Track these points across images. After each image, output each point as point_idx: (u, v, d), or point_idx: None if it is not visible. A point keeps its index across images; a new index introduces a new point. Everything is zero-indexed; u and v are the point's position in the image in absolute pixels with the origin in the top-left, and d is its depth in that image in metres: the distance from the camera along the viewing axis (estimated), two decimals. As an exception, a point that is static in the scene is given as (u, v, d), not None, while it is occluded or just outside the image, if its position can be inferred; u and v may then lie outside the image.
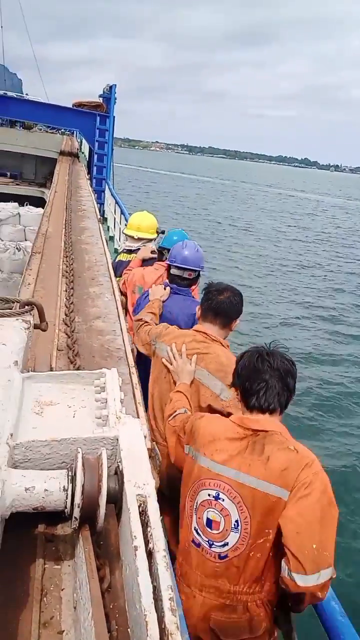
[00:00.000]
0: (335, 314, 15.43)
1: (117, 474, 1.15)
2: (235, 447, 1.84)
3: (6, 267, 10.71)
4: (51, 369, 1.85)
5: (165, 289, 3.29)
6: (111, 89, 12.57)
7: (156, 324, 2.97)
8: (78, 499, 1.06)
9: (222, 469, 1.84)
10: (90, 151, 13.36)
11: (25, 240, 11.64)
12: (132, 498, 1.04)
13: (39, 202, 12.19)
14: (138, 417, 1.88)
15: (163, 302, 3.20)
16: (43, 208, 11.76)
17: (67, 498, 1.09)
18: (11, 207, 11.93)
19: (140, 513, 1.04)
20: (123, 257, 4.63)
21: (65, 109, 12.75)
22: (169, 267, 3.35)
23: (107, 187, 12.24)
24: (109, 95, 12.56)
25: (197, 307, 2.82)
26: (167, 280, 3.40)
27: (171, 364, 2.62)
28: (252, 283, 17.43)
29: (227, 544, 1.81)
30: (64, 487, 1.09)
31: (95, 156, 12.70)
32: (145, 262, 4.28)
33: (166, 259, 3.67)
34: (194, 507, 1.91)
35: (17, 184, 13.16)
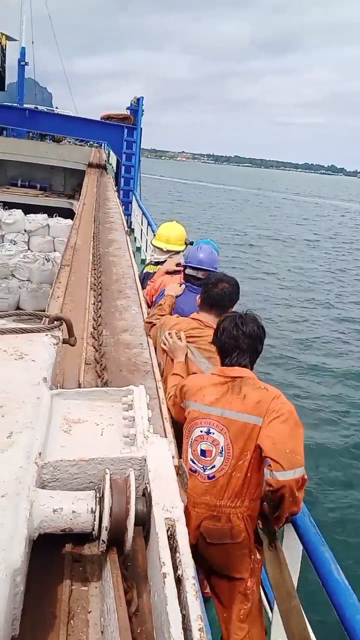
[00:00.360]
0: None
1: (145, 496, 1.14)
2: (219, 391, 2.29)
3: (36, 277, 10.88)
4: (79, 384, 1.86)
5: (180, 286, 3.48)
6: (138, 101, 12.71)
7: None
8: (106, 522, 1.05)
9: (210, 409, 2.28)
10: (118, 163, 13.50)
11: (55, 251, 11.82)
12: (161, 522, 1.02)
13: (68, 214, 12.38)
14: (165, 435, 1.87)
15: (177, 297, 3.41)
16: (72, 219, 11.95)
17: (94, 520, 1.07)
18: (41, 218, 12.15)
19: (168, 537, 1.02)
20: (150, 268, 4.58)
21: (94, 122, 12.95)
22: (184, 268, 3.53)
23: (134, 198, 12.34)
24: (136, 108, 12.70)
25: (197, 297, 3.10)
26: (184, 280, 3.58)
27: (166, 346, 2.90)
28: (279, 295, 17.33)
29: (214, 466, 2.25)
30: (91, 509, 1.08)
31: (123, 168, 12.83)
32: (169, 274, 4.15)
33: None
34: (190, 442, 2.31)
35: (46, 196, 13.40)
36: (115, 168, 14.45)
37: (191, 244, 4.63)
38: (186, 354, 2.82)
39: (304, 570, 2.06)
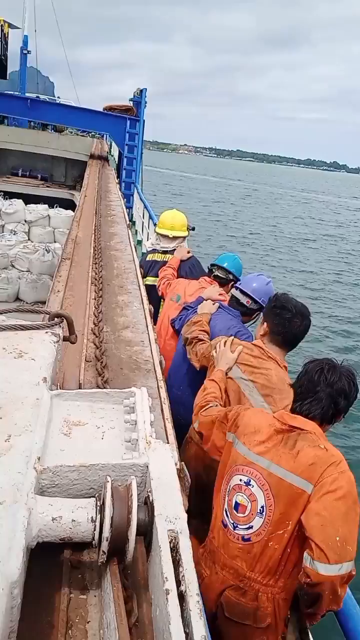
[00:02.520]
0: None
1: (147, 505, 1.10)
2: (272, 441, 1.97)
3: (36, 268, 10.82)
4: (80, 384, 1.81)
5: (214, 304, 3.26)
6: (142, 92, 12.58)
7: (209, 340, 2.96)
8: (107, 532, 1.02)
9: (257, 458, 1.97)
10: (120, 154, 13.40)
11: (55, 242, 11.75)
12: (163, 534, 0.99)
13: (69, 204, 12.28)
14: (167, 438, 1.83)
15: (211, 315, 3.18)
16: (72, 210, 11.87)
17: (94, 530, 1.04)
18: (41, 209, 12.06)
19: (171, 550, 0.98)
20: (158, 257, 4.63)
21: (96, 113, 12.82)
22: (235, 288, 3.32)
23: (135, 190, 12.26)
24: (139, 99, 12.58)
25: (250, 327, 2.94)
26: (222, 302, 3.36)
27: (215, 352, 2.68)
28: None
29: (251, 527, 1.93)
30: (92, 517, 1.05)
31: (125, 160, 12.72)
32: (183, 263, 4.33)
33: (214, 275, 3.79)
34: (227, 489, 2.05)
35: (47, 186, 13.29)
36: (117, 160, 14.35)
37: (193, 229, 4.86)
38: (234, 380, 2.53)
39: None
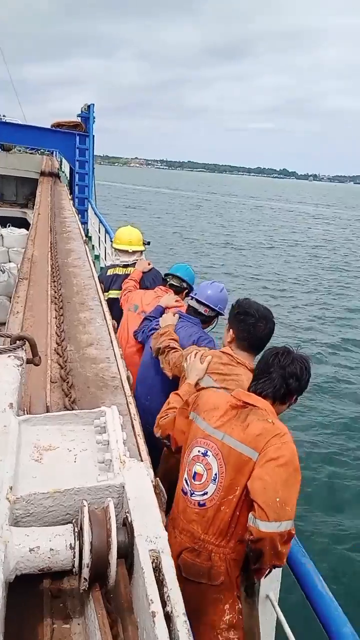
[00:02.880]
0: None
1: (126, 526, 1.08)
2: (227, 415, 2.15)
3: (-9, 290, 10.58)
4: (47, 407, 1.78)
5: (175, 315, 3.33)
6: (89, 108, 12.58)
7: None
8: (87, 559, 0.99)
9: (213, 431, 2.14)
10: (71, 170, 13.32)
11: (10, 261, 11.52)
12: (145, 555, 0.97)
13: (21, 223, 12.09)
14: (140, 454, 1.81)
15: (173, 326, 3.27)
16: (26, 229, 11.69)
17: (74, 557, 1.01)
18: (-7, 229, 11.82)
19: (154, 569, 0.97)
20: (120, 270, 4.77)
21: (45, 130, 12.73)
22: (189, 301, 3.44)
23: (89, 206, 12.19)
24: (87, 115, 12.56)
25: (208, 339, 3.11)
26: (182, 311, 3.45)
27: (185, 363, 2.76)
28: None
29: (206, 493, 2.09)
30: (70, 544, 1.02)
31: (77, 175, 12.66)
32: (145, 274, 4.48)
33: (169, 284, 3.98)
34: (188, 460, 2.20)
35: (-2, 206, 13.06)
36: (68, 176, 14.26)
37: (148, 243, 5.13)
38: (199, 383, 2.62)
39: (285, 582, 2.04)
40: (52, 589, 1.21)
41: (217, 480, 2.06)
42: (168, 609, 0.89)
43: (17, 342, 1.75)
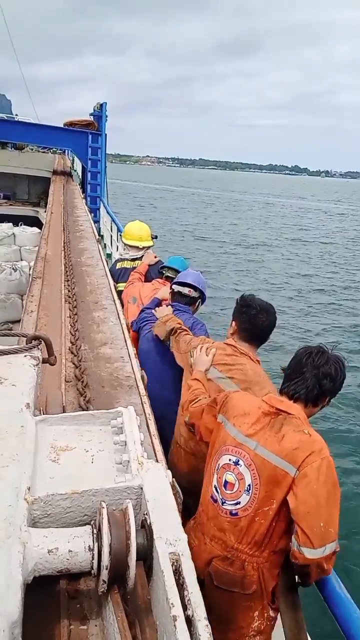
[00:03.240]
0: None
1: (145, 528, 1.08)
2: (260, 423, 2.09)
3: (3, 288, 10.63)
4: (63, 406, 1.77)
5: (167, 307, 3.50)
6: (102, 107, 12.59)
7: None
8: (106, 561, 0.98)
9: (245, 439, 2.09)
10: (83, 169, 13.36)
11: (21, 260, 11.58)
12: (165, 558, 0.96)
13: (33, 222, 12.15)
14: (154, 452, 1.81)
15: None
16: (37, 227, 11.74)
17: (93, 559, 1.01)
18: (6, 227, 11.88)
19: (174, 572, 0.96)
20: (127, 264, 5.01)
21: (57, 129, 12.76)
22: (172, 288, 3.63)
23: (102, 204, 12.22)
24: (99, 113, 12.58)
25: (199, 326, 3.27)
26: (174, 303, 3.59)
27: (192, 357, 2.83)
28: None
29: (239, 503, 2.06)
30: (89, 546, 1.02)
31: (89, 174, 12.68)
32: (152, 267, 4.69)
33: (166, 277, 4.20)
34: (217, 467, 2.17)
35: (10, 204, 13.13)
36: (80, 175, 14.29)
37: (156, 237, 5.38)
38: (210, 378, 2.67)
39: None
40: (69, 590, 1.21)
41: (250, 491, 2.03)
42: (189, 612, 0.88)
43: (33, 341, 1.76)
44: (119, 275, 4.86)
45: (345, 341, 13.79)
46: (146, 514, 1.09)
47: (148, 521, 1.06)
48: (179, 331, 3.11)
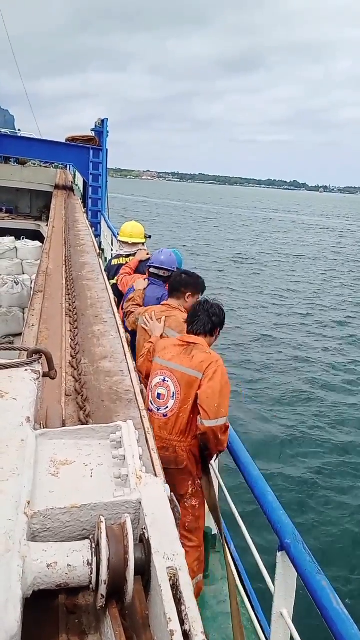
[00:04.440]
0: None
1: (143, 542, 1.08)
2: (176, 351, 3.13)
3: (5, 301, 10.67)
4: (63, 421, 1.78)
5: (145, 280, 4.49)
6: (103, 122, 12.75)
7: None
8: (104, 575, 0.99)
9: (168, 363, 3.10)
10: (85, 184, 13.48)
11: (23, 273, 11.64)
12: (163, 573, 0.97)
13: (35, 236, 12.22)
14: (153, 466, 1.81)
15: (144, 290, 4.42)
16: (39, 241, 11.81)
17: (91, 573, 1.01)
18: (8, 241, 11.96)
19: (171, 587, 0.97)
20: (123, 260, 5.58)
21: (59, 144, 12.91)
22: (149, 267, 4.57)
23: (102, 218, 12.30)
24: (101, 129, 12.74)
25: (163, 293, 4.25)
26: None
27: (147, 326, 3.80)
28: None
29: (167, 407, 3.02)
30: (87, 561, 1.02)
31: (90, 189, 12.80)
32: (143, 262, 5.20)
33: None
34: (150, 387, 3.13)
35: (12, 218, 13.23)
36: (82, 189, 14.42)
37: (149, 237, 5.99)
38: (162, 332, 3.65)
39: (301, 600, 2.02)
40: (67, 604, 1.21)
41: (175, 396, 3.00)
42: (186, 627, 0.89)
43: (34, 355, 1.77)
44: (115, 270, 5.42)
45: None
46: (144, 528, 1.10)
47: (146, 535, 1.07)
48: (128, 314, 4.18)
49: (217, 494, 3.13)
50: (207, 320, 3.14)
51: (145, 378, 3.30)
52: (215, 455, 2.99)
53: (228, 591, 2.90)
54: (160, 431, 2.98)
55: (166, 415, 3.00)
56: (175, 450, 2.97)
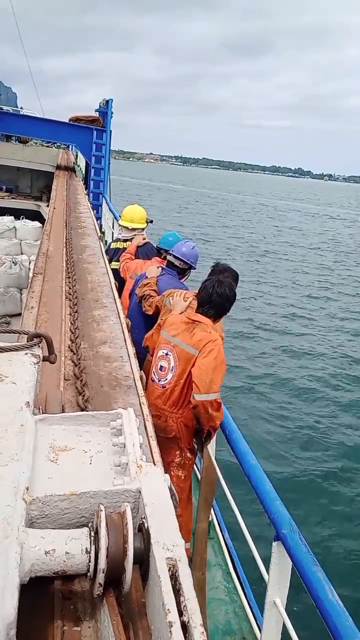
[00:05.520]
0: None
1: (142, 532, 1.07)
2: (181, 328, 3.23)
3: (2, 281, 10.61)
4: (62, 406, 1.77)
5: (158, 268, 4.35)
6: (107, 103, 12.57)
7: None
8: (102, 564, 0.98)
9: (172, 338, 3.22)
10: (87, 165, 13.32)
11: (22, 254, 11.56)
12: (162, 563, 0.96)
13: (35, 216, 12.11)
14: (151, 454, 1.81)
15: (157, 277, 4.27)
16: (39, 221, 11.70)
17: (89, 562, 1.01)
18: (7, 220, 11.86)
19: (170, 578, 0.96)
20: (120, 245, 5.55)
21: (62, 124, 12.73)
22: (168, 253, 4.43)
23: (104, 201, 12.19)
24: (105, 110, 12.55)
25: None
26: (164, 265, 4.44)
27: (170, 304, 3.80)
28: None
29: (166, 379, 3.18)
30: (86, 549, 1.02)
31: (92, 170, 12.66)
32: (140, 248, 5.24)
33: (164, 257, 4.71)
34: (155, 357, 3.28)
35: (12, 198, 13.10)
36: (84, 170, 14.26)
37: (151, 222, 5.88)
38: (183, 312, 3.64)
39: (296, 590, 2.03)
40: (62, 591, 1.21)
41: (173, 370, 3.15)
42: (185, 618, 0.88)
43: (34, 339, 1.75)
44: (113, 254, 5.42)
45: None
46: (144, 517, 1.09)
47: (146, 525, 1.06)
48: (147, 297, 4.09)
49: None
50: (218, 307, 3.23)
51: (151, 352, 3.48)
52: (210, 434, 3.09)
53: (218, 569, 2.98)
54: (156, 400, 3.16)
55: (164, 387, 3.16)
56: (166, 419, 3.14)
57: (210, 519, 3.34)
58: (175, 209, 47.49)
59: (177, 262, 4.27)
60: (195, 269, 4.38)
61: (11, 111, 17.75)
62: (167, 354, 3.20)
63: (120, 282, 4.76)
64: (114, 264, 5.19)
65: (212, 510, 3.27)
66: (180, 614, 0.90)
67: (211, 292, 3.20)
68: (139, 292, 4.22)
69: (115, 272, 4.88)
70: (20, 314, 10.10)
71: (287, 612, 2.01)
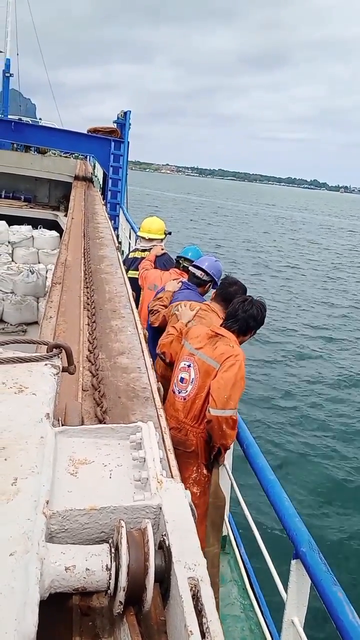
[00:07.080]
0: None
1: (163, 549, 1.06)
2: (205, 340, 3.21)
3: (20, 289, 10.73)
4: (82, 418, 1.77)
5: (178, 283, 4.36)
6: (125, 115, 12.70)
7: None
8: (123, 581, 0.97)
9: (195, 351, 3.21)
10: (104, 176, 13.45)
11: (39, 263, 11.68)
12: (184, 582, 0.94)
13: (52, 225, 12.24)
14: (169, 467, 1.79)
15: (174, 292, 4.29)
16: (56, 231, 11.81)
17: (110, 579, 0.99)
18: (25, 230, 12.01)
19: (192, 598, 0.94)
20: (138, 254, 5.67)
21: (80, 135, 12.89)
22: (189, 265, 4.49)
23: (121, 211, 12.28)
24: (123, 121, 12.69)
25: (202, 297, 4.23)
26: (184, 279, 4.46)
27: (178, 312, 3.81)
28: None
29: (187, 391, 3.16)
30: (106, 565, 1.00)
31: (110, 181, 12.77)
32: (158, 258, 5.29)
33: (182, 267, 4.80)
34: (177, 369, 3.27)
35: (30, 207, 13.26)
36: (101, 181, 14.39)
37: (169, 233, 5.96)
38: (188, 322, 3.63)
39: (314, 609, 1.98)
40: (81, 606, 1.19)
41: (193, 382, 3.14)
42: (207, 641, 0.86)
43: (54, 350, 1.76)
44: (131, 263, 5.52)
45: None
46: (164, 535, 1.07)
47: (167, 543, 1.04)
48: (154, 312, 4.23)
49: (228, 496, 3.10)
50: (243, 324, 3.19)
51: (170, 360, 3.48)
52: (220, 452, 3.03)
53: (236, 592, 2.89)
54: (177, 413, 3.13)
55: (185, 399, 3.14)
56: (187, 433, 3.09)
57: (226, 533, 3.30)
58: (195, 219, 47.58)
59: (198, 273, 4.27)
60: (217, 284, 4.25)
61: (30, 122, 18.03)
62: (188, 366, 3.18)
63: (137, 291, 4.79)
64: (132, 273, 5.26)
65: (228, 525, 3.22)
66: (203, 635, 0.88)
67: (237, 307, 3.19)
68: (150, 305, 4.30)
69: (133, 280, 4.93)
70: (36, 322, 10.25)
71: (305, 631, 1.97)
